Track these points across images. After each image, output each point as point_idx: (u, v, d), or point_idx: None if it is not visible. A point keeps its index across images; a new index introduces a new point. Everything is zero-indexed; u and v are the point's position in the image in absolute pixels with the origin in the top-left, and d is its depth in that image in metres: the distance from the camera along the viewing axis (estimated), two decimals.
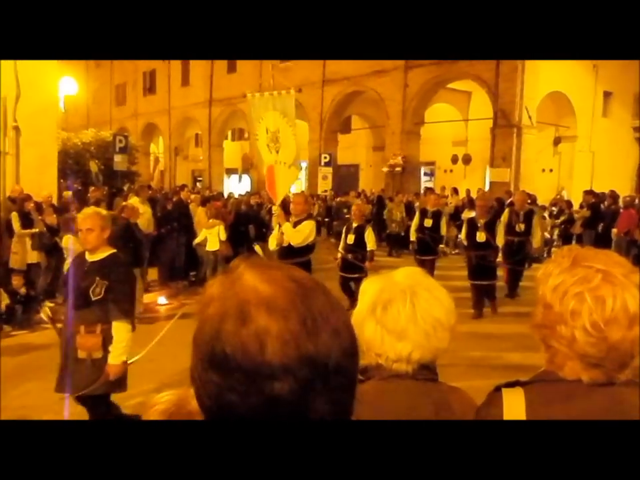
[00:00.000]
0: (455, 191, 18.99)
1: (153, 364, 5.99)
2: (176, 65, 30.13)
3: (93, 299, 3.63)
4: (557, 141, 20.98)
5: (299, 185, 28.33)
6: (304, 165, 27.21)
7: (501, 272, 9.60)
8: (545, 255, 11.94)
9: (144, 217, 9.75)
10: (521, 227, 9.12)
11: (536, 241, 9.26)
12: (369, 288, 1.42)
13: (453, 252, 14.11)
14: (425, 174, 24.83)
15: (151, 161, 33.98)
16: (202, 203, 11.55)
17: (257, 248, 7.85)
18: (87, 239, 3.70)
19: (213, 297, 0.70)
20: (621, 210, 12.94)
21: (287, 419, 0.65)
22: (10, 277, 8.29)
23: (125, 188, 16.07)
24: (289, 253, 6.26)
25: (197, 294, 10.02)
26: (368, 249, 7.90)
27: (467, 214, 14.18)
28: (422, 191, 18.46)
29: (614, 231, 12.38)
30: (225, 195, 19.08)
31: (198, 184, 29.58)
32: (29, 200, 9.08)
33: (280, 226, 6.44)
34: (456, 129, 22.89)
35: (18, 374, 5.60)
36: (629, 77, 19.58)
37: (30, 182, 10.68)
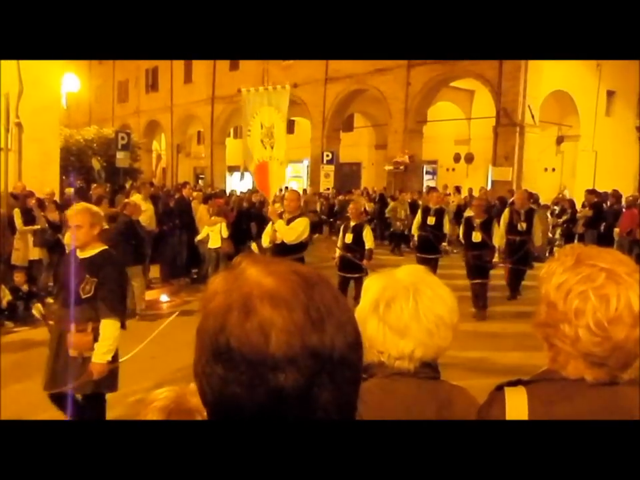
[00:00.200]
0: (458, 189, 18.97)
1: (155, 361, 6.01)
2: (178, 62, 30.10)
3: (83, 296, 3.57)
4: (559, 140, 20.94)
5: (300, 183, 28.41)
6: (306, 162, 27.27)
7: (500, 271, 9.60)
8: (547, 254, 11.93)
9: (146, 214, 9.75)
10: (522, 225, 9.08)
11: (537, 240, 9.24)
12: (371, 285, 1.42)
13: (455, 250, 14.09)
14: (427, 172, 24.80)
15: (153, 158, 33.99)
16: (204, 200, 11.56)
17: (253, 246, 7.82)
18: (75, 236, 3.65)
19: (217, 291, 0.70)
20: (624, 209, 12.92)
21: (291, 412, 0.65)
22: (12, 274, 8.31)
23: (127, 185, 16.07)
24: (282, 250, 6.22)
25: (198, 291, 10.03)
26: (366, 247, 7.85)
27: (469, 212, 14.17)
28: (424, 190, 18.47)
29: (616, 230, 12.37)
30: (227, 193, 19.09)
31: (200, 181, 29.60)
32: (32, 196, 9.09)
33: (273, 223, 6.40)
34: (458, 128, 22.85)
35: (20, 370, 5.61)
36: (633, 76, 19.51)
37: (32, 178, 10.71)
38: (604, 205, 13.77)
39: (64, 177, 14.27)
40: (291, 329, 0.64)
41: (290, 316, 0.65)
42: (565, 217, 14.48)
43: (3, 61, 9.50)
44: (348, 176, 25.66)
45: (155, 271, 10.53)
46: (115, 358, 3.74)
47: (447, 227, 9.65)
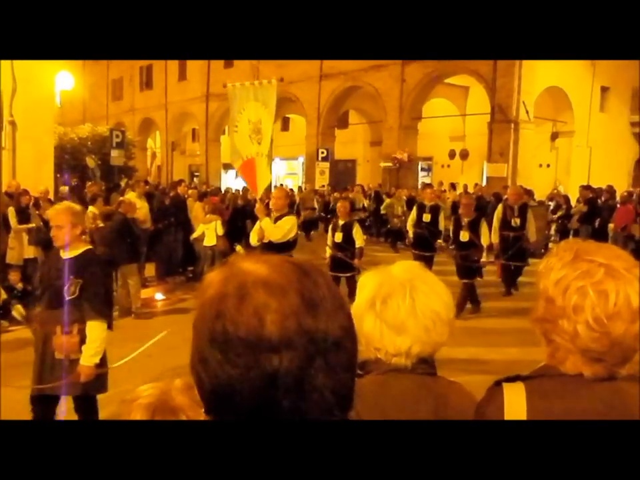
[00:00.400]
0: (453, 186, 19.00)
1: (151, 359, 5.99)
2: (173, 60, 29.99)
3: (68, 298, 3.50)
4: (554, 136, 20.99)
5: (296, 180, 28.38)
6: (301, 160, 27.23)
7: (493, 267, 9.60)
8: (543, 250, 11.95)
9: (140, 212, 9.72)
10: (516, 221, 9.05)
11: (531, 235, 9.19)
12: (367, 282, 1.42)
13: (451, 247, 14.09)
14: (423, 169, 24.83)
15: (148, 156, 33.89)
16: (199, 198, 11.53)
17: (239, 248, 7.75)
18: (56, 236, 3.57)
19: (211, 282, 0.71)
20: (618, 205, 12.97)
21: (287, 396, 0.65)
22: (7, 272, 8.27)
23: (122, 183, 16.02)
24: (269, 249, 6.11)
25: (194, 289, 9.99)
26: (357, 246, 7.76)
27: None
28: (419, 186, 18.48)
29: (610, 226, 12.42)
30: (222, 190, 19.04)
31: (195, 179, 29.54)
32: (26, 195, 9.05)
33: (260, 221, 6.29)
34: (453, 124, 22.89)
35: (15, 369, 5.58)
36: (627, 72, 19.60)
37: (26, 177, 10.65)
38: (598, 200, 13.81)
39: (58, 175, 14.20)
40: (285, 312, 0.65)
41: (284, 299, 0.66)
42: (559, 213, 14.53)
43: None
44: (343, 173, 25.65)
45: (150, 269, 10.50)
46: (104, 360, 3.70)
47: (442, 224, 9.57)
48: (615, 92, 21.41)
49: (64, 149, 17.86)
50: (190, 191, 12.42)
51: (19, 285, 8.07)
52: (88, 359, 3.53)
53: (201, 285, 0.73)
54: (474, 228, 8.20)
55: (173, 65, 30.37)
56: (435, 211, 9.45)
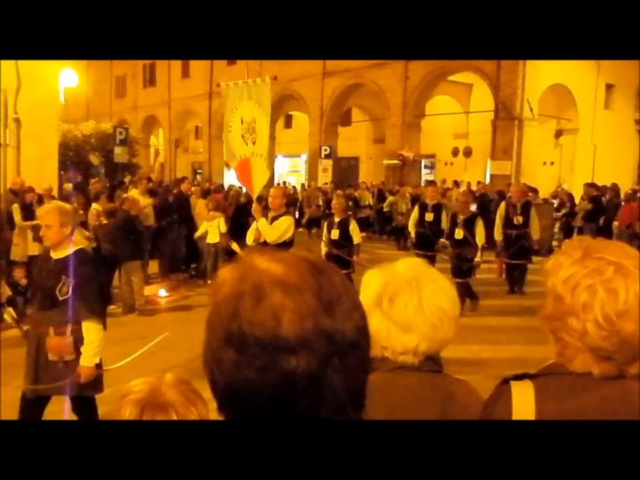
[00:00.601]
0: (456, 183, 18.95)
1: (154, 356, 6.00)
2: None
3: (60, 298, 3.46)
4: (558, 134, 20.92)
5: (298, 178, 28.36)
6: (304, 157, 27.20)
7: (493, 265, 9.55)
8: (548, 249, 11.91)
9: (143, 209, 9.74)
10: (518, 219, 8.97)
11: (535, 233, 9.11)
12: (372, 280, 1.41)
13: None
14: (426, 167, 24.78)
15: (151, 153, 33.91)
16: (202, 195, 11.53)
17: (234, 245, 7.69)
18: (46, 236, 3.54)
19: (226, 280, 0.70)
20: (623, 203, 12.92)
21: (303, 397, 0.65)
22: (11, 269, 8.29)
23: (127, 180, 16.04)
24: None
25: (197, 286, 10.04)
26: (354, 242, 7.69)
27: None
28: (423, 184, 18.44)
29: (615, 224, 12.38)
30: (225, 187, 19.05)
31: (198, 176, 29.53)
32: (31, 192, 9.06)
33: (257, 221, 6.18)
34: (457, 122, 22.82)
35: (16, 368, 5.60)
36: (631, 70, 19.47)
37: (31, 174, 10.67)
38: (603, 198, 13.76)
39: (62, 172, 14.22)
40: (303, 312, 0.65)
41: (301, 299, 0.65)
42: (563, 211, 14.49)
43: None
44: (346, 170, 25.62)
45: (153, 266, 10.52)
46: (99, 361, 3.67)
47: (445, 223, 9.18)
48: (620, 89, 21.31)
49: (68, 146, 17.87)
50: (193, 188, 12.42)
51: (23, 282, 8.09)
52: (88, 359, 3.51)
53: (214, 281, 0.73)
54: (469, 226, 8.10)
55: (176, 62, 30.36)
56: (437, 209, 9.24)
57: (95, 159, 16.97)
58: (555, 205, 15.01)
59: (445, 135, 23.35)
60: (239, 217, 11.35)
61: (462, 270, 7.94)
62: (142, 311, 8.25)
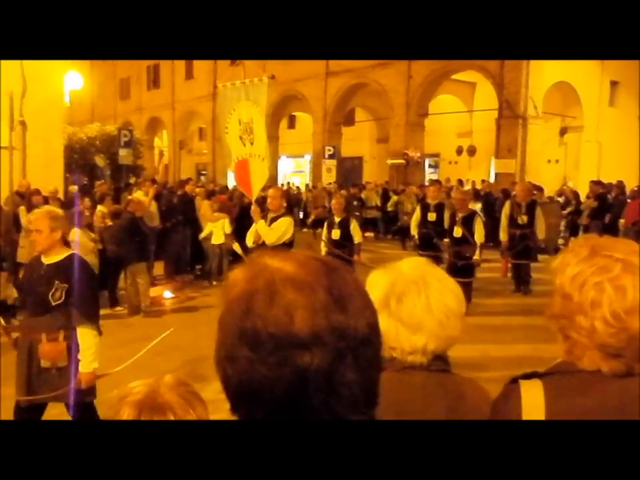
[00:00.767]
0: (460, 182, 18.91)
1: (160, 358, 6.01)
2: None
3: (53, 304, 3.42)
4: (563, 132, 20.85)
5: (303, 178, 28.37)
6: (308, 157, 27.22)
7: (498, 265, 9.50)
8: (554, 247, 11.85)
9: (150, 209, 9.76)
10: (523, 218, 8.90)
11: (540, 233, 9.02)
12: (377, 281, 1.40)
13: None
14: (430, 166, 24.75)
15: (156, 154, 34.01)
16: (207, 196, 11.55)
17: (235, 245, 7.66)
18: (36, 241, 3.51)
19: (237, 280, 0.71)
20: (628, 200, 12.86)
21: (317, 393, 0.65)
22: (18, 271, 8.33)
23: (133, 182, 16.09)
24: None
25: (202, 287, 10.06)
26: (355, 242, 7.63)
27: (472, 205, 14.08)
28: (427, 183, 18.41)
29: (621, 221, 12.32)
30: (230, 188, 19.07)
31: (202, 177, 29.60)
32: (38, 194, 9.11)
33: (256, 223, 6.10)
34: (460, 120, 22.78)
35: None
36: (636, 66, 19.41)
37: (36, 176, 10.73)
38: (608, 196, 13.71)
39: (68, 175, 14.28)
40: (315, 308, 0.65)
41: (313, 296, 0.66)
42: (569, 209, 14.44)
43: (6, 60, 9.49)
44: (350, 170, 25.63)
45: (159, 268, 10.55)
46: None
47: (447, 222, 8.93)
48: (625, 86, 21.22)
49: (73, 149, 17.95)
50: (197, 189, 12.44)
51: None
52: (87, 365, 3.47)
53: (225, 282, 0.73)
54: (468, 224, 7.98)
55: (180, 64, 30.45)
56: (439, 209, 9.05)
57: (100, 160, 17.04)
58: (561, 203, 14.96)
59: (449, 134, 23.31)
60: (243, 218, 11.35)
61: (462, 269, 7.69)
62: (147, 312, 8.27)
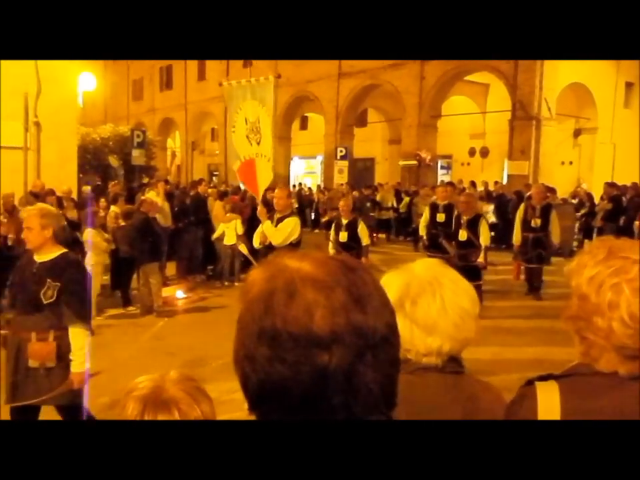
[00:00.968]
0: (473, 184, 18.81)
1: (172, 357, 6.05)
2: (192, 60, 30.23)
3: (45, 302, 3.36)
4: (577, 133, 20.68)
5: (314, 179, 28.39)
6: (320, 158, 27.24)
7: (510, 267, 9.41)
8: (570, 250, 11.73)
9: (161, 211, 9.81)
10: (536, 222, 8.75)
11: (555, 237, 8.90)
12: (391, 283, 1.40)
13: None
14: (442, 167, 24.65)
15: (168, 155, 34.20)
16: (219, 197, 11.60)
17: (242, 247, 7.62)
18: (27, 238, 3.46)
19: (256, 280, 0.71)
20: None
21: (336, 392, 0.65)
22: None
23: (145, 182, 16.20)
24: (272, 251, 5.84)
25: (214, 288, 10.10)
26: (363, 244, 7.55)
27: (485, 207, 14.00)
28: (438, 184, 18.32)
29: (636, 223, 12.20)
30: (242, 189, 19.13)
31: (214, 178, 29.73)
32: (52, 195, 9.20)
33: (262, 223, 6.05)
34: (473, 122, 22.68)
35: None
36: None
37: (50, 177, 10.85)
38: (623, 198, 13.57)
39: (81, 175, 14.41)
40: (335, 307, 0.65)
41: (333, 295, 0.66)
42: (583, 211, 14.31)
43: (21, 61, 9.61)
44: (362, 171, 25.59)
45: (171, 268, 10.62)
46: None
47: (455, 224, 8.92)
48: None
49: (86, 149, 18.09)
50: (210, 190, 12.49)
51: None
52: (79, 365, 3.40)
53: (244, 282, 0.74)
54: (473, 227, 7.87)
55: (193, 65, 30.62)
56: (448, 210, 8.85)
57: (114, 161, 17.18)
58: (575, 205, 14.83)
59: (462, 136, 23.21)
60: (255, 219, 11.38)
61: (469, 272, 7.58)
62: (160, 312, 8.32)
